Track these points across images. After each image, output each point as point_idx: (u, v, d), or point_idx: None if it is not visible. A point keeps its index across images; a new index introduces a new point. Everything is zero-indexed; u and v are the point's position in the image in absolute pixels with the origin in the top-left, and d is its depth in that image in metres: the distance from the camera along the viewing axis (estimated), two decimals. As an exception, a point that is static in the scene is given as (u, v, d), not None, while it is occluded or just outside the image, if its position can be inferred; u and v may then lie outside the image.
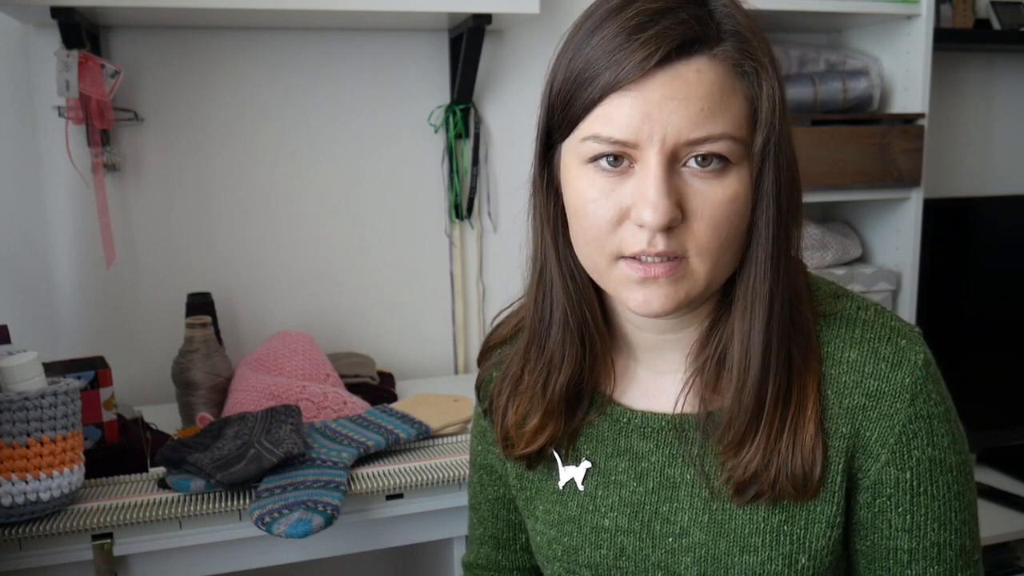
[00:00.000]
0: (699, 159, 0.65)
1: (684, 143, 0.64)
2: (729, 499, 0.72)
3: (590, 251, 0.70)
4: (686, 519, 0.74)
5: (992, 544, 1.74)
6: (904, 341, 0.71)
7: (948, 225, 1.89)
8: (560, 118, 0.70)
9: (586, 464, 0.79)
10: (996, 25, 2.01)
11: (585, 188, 0.68)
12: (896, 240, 1.86)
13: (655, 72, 0.63)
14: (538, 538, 0.83)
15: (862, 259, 1.93)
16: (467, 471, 1.15)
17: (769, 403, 0.69)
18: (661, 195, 0.64)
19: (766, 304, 0.68)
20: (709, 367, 0.72)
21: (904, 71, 1.81)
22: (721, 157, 0.65)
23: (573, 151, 0.69)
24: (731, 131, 0.65)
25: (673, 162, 0.65)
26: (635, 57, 0.63)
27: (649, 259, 0.66)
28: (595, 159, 0.67)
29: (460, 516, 1.18)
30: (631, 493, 0.77)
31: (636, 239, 0.66)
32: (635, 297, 0.68)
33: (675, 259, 0.66)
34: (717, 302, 0.73)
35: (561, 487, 0.81)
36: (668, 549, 0.74)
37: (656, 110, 0.64)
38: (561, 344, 0.76)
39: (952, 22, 1.98)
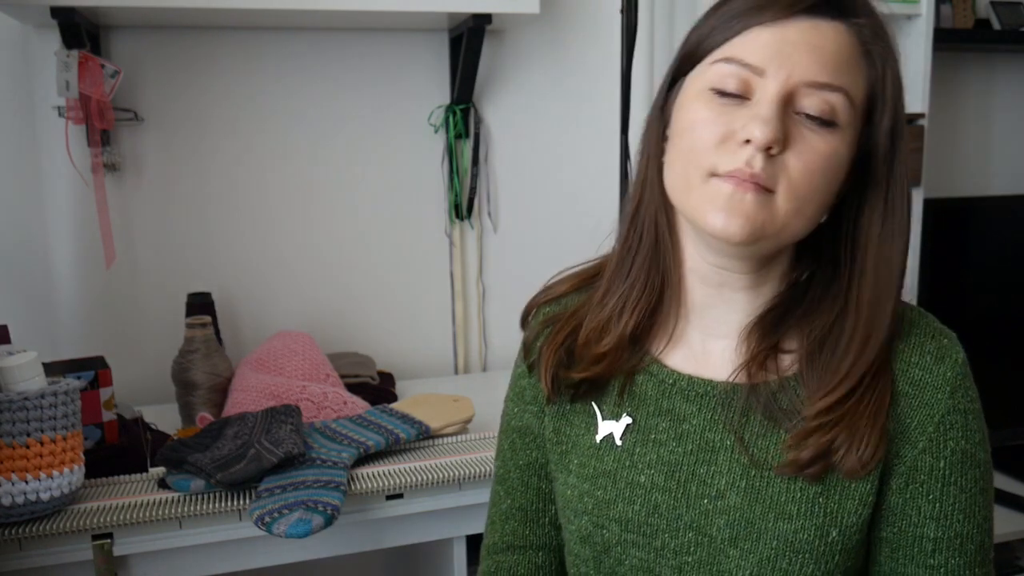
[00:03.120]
0: (810, 116, 0.68)
1: (805, 83, 0.68)
2: (770, 469, 0.73)
3: (683, 165, 0.72)
4: (723, 482, 0.74)
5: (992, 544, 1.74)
6: (946, 340, 0.75)
7: (948, 225, 1.89)
8: (696, 46, 0.73)
9: (626, 420, 0.80)
10: (996, 25, 2.01)
11: (699, 109, 0.71)
12: (896, 240, 1.85)
13: (799, 16, 0.69)
14: (568, 492, 0.82)
15: (862, 259, 1.93)
16: (468, 471, 1.16)
17: (861, 388, 0.71)
18: (775, 115, 0.67)
19: (897, 271, 0.73)
20: (766, 343, 0.75)
21: (904, 71, 1.81)
22: (829, 122, 0.68)
23: (698, 77, 0.72)
24: (850, 90, 0.69)
25: (788, 103, 0.68)
26: (784, 2, 0.69)
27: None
28: (718, 85, 0.70)
29: (460, 516, 1.18)
30: (670, 452, 0.77)
31: (735, 157, 0.68)
32: (716, 218, 0.69)
33: (764, 191, 0.68)
34: (781, 274, 0.77)
35: (598, 441, 0.81)
36: (702, 510, 0.74)
37: (791, 48, 0.68)
38: (646, 273, 0.79)
39: (952, 22, 1.97)
